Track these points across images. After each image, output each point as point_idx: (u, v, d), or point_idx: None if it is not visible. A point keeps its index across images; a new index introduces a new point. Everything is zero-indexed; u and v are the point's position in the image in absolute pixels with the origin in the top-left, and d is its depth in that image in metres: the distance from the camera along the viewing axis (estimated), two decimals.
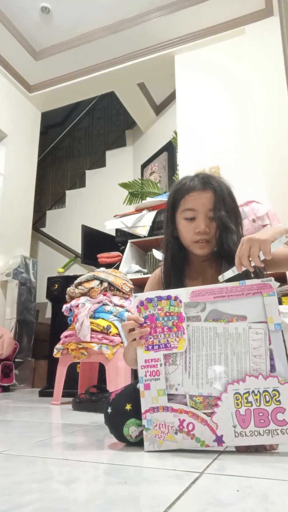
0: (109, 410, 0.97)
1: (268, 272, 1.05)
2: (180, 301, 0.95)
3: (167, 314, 0.95)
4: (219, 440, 0.85)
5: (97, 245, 3.30)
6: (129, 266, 2.64)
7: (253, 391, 0.86)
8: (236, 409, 0.85)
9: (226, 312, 0.92)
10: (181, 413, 0.88)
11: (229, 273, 0.95)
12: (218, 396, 0.87)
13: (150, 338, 0.94)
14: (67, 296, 2.17)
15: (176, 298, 0.95)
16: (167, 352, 0.92)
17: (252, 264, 0.92)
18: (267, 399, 0.85)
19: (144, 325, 0.95)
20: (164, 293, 0.97)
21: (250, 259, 0.91)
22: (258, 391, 0.86)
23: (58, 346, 2.09)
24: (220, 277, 0.96)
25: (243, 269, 0.94)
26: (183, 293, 0.95)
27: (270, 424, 0.84)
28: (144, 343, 0.94)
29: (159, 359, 0.92)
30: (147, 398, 0.91)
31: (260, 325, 0.90)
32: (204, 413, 0.87)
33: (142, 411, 0.90)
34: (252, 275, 0.99)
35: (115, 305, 2.06)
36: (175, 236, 1.14)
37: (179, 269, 1.13)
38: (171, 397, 0.90)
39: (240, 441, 0.84)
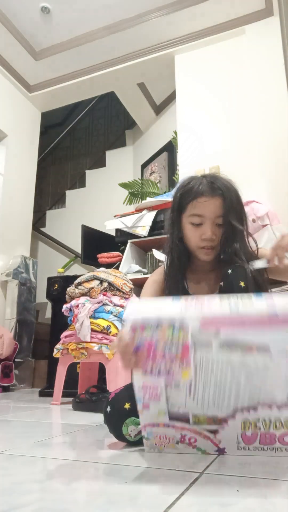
0: (108, 409, 0.97)
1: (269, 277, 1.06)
2: (187, 329, 0.76)
3: (169, 343, 0.78)
4: (221, 450, 0.83)
5: (97, 245, 3.30)
6: (129, 266, 2.64)
7: (263, 419, 0.79)
8: (243, 431, 0.81)
9: (244, 339, 0.75)
10: (183, 430, 0.83)
11: (260, 264, 0.96)
12: (224, 418, 0.81)
13: (149, 363, 0.79)
14: (67, 296, 2.17)
15: (181, 326, 0.76)
16: (169, 379, 0.80)
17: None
18: (277, 425, 0.79)
19: (140, 351, 0.78)
20: (166, 316, 0.77)
21: None
22: (270, 420, 0.79)
23: (58, 346, 2.09)
24: (251, 267, 0.97)
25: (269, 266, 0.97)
26: (191, 319, 0.75)
27: (276, 444, 0.80)
28: (141, 367, 0.80)
29: (159, 386, 0.81)
30: (146, 416, 0.84)
31: (285, 358, 0.75)
32: (207, 430, 0.82)
33: (141, 424, 0.85)
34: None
35: (115, 305, 2.06)
36: (179, 238, 1.11)
37: (181, 271, 1.12)
38: (172, 415, 0.83)
39: (242, 453, 0.82)
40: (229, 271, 1.03)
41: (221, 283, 1.04)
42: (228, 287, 1.01)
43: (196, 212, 1.06)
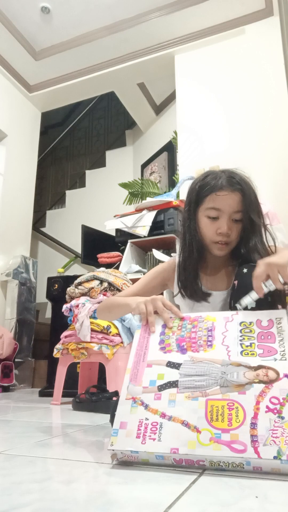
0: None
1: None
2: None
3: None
4: None
5: (97, 245, 3.30)
6: (129, 266, 2.64)
7: None
8: None
9: None
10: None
11: (247, 300, 0.91)
12: None
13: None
14: (67, 296, 2.17)
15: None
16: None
17: (272, 288, 0.89)
18: None
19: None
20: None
21: (267, 285, 0.89)
22: None
23: (58, 346, 2.09)
24: (238, 306, 0.92)
25: (259, 295, 0.90)
26: None
27: None
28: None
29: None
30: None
31: None
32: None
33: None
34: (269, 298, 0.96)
35: None
36: (193, 232, 1.10)
37: (195, 264, 1.11)
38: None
39: None
40: (244, 270, 1.00)
41: (235, 282, 1.02)
42: (242, 286, 0.99)
43: (214, 205, 1.05)
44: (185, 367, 0.85)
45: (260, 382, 0.77)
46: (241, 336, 0.87)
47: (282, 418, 0.72)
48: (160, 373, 0.86)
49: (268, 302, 0.95)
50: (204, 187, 1.08)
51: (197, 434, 0.74)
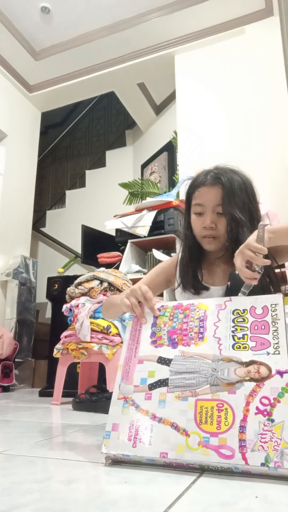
0: None
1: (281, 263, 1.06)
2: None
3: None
4: None
5: (97, 245, 3.30)
6: (129, 266, 2.64)
7: None
8: None
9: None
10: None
11: (246, 289, 0.90)
12: None
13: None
14: (67, 296, 2.17)
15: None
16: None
17: (261, 270, 0.89)
18: None
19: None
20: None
21: (256, 266, 0.89)
22: None
23: (58, 346, 2.09)
24: (240, 295, 0.91)
25: (246, 284, 0.90)
26: None
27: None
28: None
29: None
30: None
31: None
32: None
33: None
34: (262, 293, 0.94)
35: None
36: (185, 229, 1.17)
37: (194, 260, 1.16)
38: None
39: None
40: (236, 271, 1.00)
41: (228, 283, 1.04)
42: (235, 289, 0.99)
43: (197, 201, 1.10)
44: (176, 363, 0.84)
45: (251, 380, 0.76)
46: (233, 326, 0.84)
47: (272, 421, 0.70)
48: (151, 370, 0.85)
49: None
50: (191, 185, 1.14)
51: (186, 437, 0.73)
